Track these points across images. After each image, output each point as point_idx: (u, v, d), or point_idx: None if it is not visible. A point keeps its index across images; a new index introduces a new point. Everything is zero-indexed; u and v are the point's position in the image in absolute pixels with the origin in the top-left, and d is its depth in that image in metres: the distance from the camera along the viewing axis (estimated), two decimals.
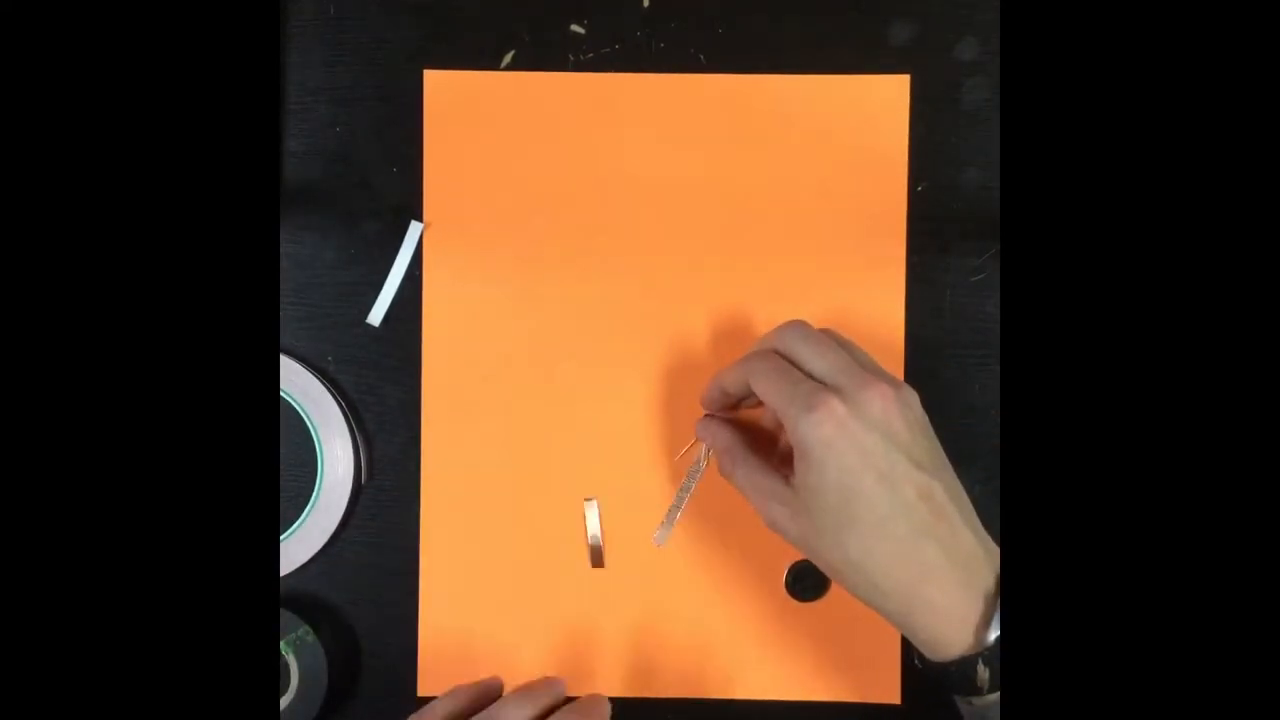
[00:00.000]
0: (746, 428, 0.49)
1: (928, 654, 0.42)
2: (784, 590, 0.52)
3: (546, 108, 0.52)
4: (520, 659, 0.52)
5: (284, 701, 0.50)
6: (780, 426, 0.47)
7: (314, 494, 0.51)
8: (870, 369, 0.43)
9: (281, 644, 0.49)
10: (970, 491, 0.52)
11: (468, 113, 0.52)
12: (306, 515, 0.51)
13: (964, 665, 0.40)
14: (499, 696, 0.44)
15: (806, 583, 0.52)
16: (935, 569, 0.41)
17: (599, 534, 0.52)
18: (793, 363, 0.44)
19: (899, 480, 0.41)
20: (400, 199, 0.52)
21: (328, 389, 0.51)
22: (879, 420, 0.41)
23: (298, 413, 0.51)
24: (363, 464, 0.51)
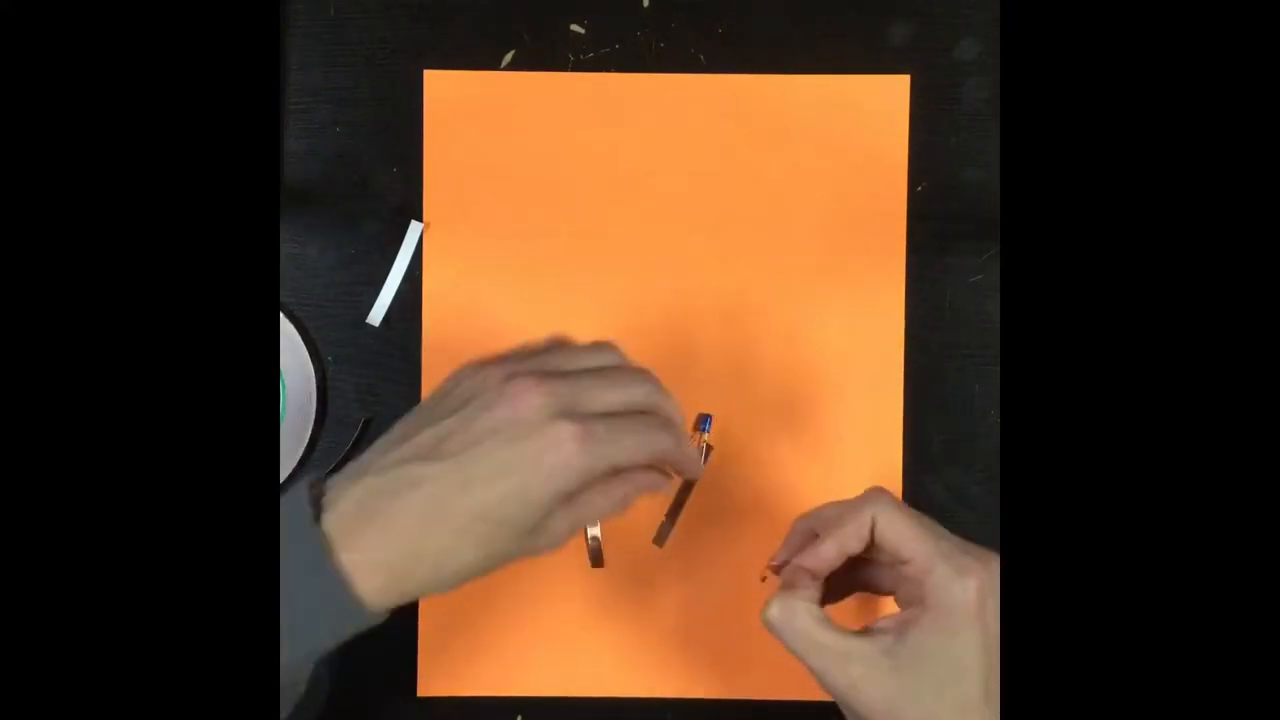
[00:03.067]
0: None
1: None
2: None
3: (546, 107, 0.52)
4: (520, 658, 0.52)
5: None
6: (857, 578, 0.44)
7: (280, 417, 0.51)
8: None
9: None
10: (970, 491, 0.52)
11: (468, 113, 0.52)
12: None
13: None
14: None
15: None
16: None
17: (598, 533, 0.52)
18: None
19: (994, 666, 0.39)
20: (400, 199, 0.52)
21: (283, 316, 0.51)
22: (998, 600, 0.39)
23: None
24: (326, 384, 0.52)
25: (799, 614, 0.41)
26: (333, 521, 0.36)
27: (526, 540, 0.38)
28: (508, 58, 0.52)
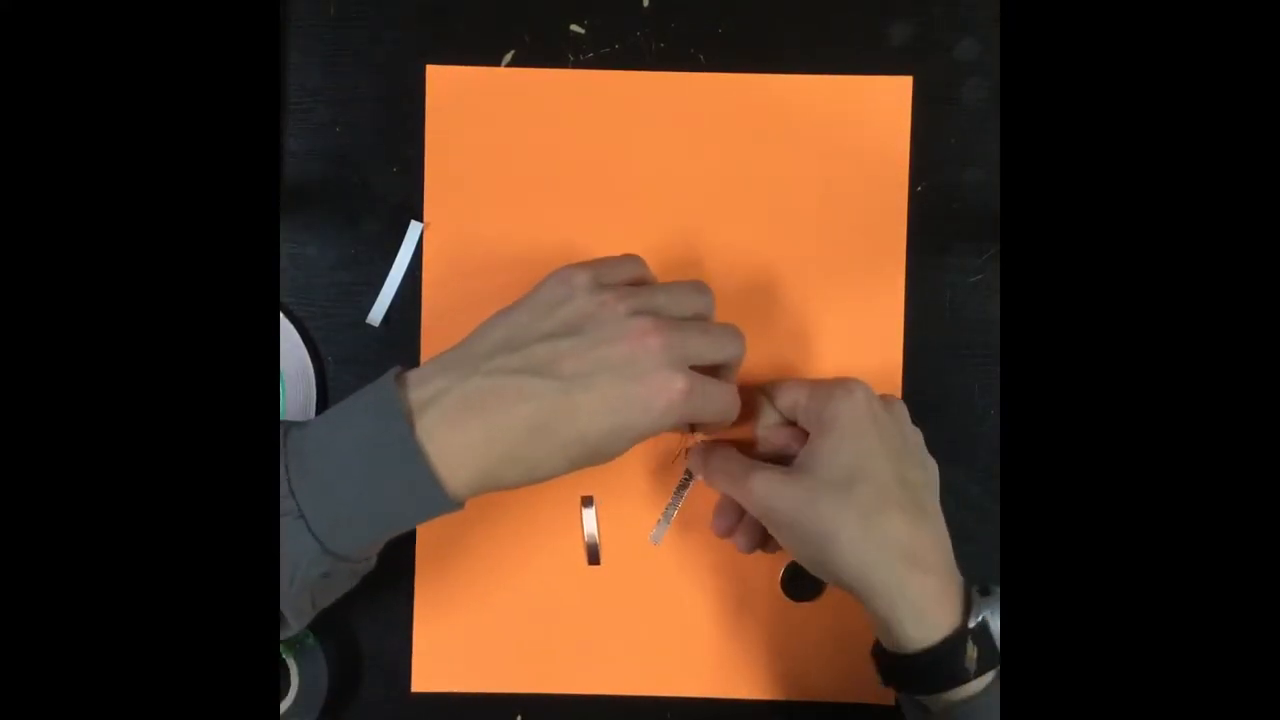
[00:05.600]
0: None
1: (910, 637, 0.41)
2: (779, 590, 0.52)
3: (548, 104, 0.52)
4: (514, 655, 0.52)
5: (284, 705, 0.50)
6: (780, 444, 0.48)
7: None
8: None
9: (281, 647, 0.49)
10: (970, 491, 0.52)
11: (469, 108, 0.52)
12: None
13: (953, 644, 0.40)
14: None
15: (801, 583, 0.52)
16: (929, 546, 0.42)
17: (595, 532, 0.52)
18: None
19: (907, 465, 0.44)
20: (400, 199, 0.52)
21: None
22: (901, 421, 0.45)
23: None
24: (326, 384, 0.52)
25: (715, 451, 0.47)
26: (434, 415, 0.39)
27: (600, 460, 0.41)
28: (508, 57, 0.52)
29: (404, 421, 0.38)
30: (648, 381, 0.39)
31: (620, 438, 0.40)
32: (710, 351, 0.42)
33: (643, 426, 0.40)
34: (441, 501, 0.39)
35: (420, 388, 0.40)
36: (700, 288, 0.45)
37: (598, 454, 0.40)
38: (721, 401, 0.43)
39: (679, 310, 0.43)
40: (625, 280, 0.44)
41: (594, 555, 0.52)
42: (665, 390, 0.39)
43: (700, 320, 0.44)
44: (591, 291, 0.41)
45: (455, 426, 0.39)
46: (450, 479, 0.39)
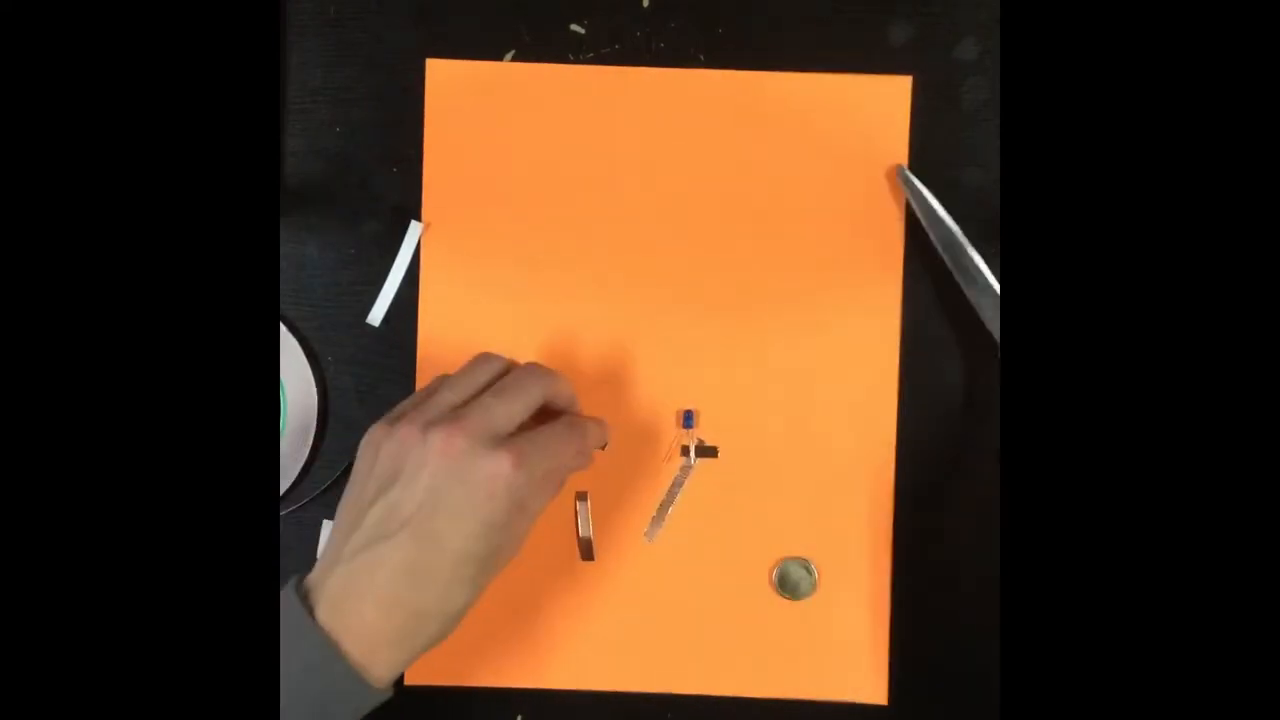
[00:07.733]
0: None
1: None
2: (772, 588, 0.52)
3: (548, 99, 0.52)
4: (509, 651, 0.52)
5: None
6: None
7: (280, 426, 0.51)
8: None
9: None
10: (970, 492, 0.52)
11: (469, 102, 0.52)
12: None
13: None
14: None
15: (794, 581, 0.52)
16: None
17: (590, 528, 0.52)
18: None
19: None
20: (400, 199, 0.52)
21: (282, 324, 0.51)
22: None
23: None
24: (326, 388, 0.52)
25: None
26: (324, 616, 0.39)
27: (501, 558, 0.41)
28: (507, 57, 0.52)
29: (313, 631, 0.38)
30: (475, 472, 0.39)
31: (493, 534, 0.40)
32: (515, 408, 0.42)
33: (500, 512, 0.40)
34: (370, 694, 0.39)
35: (310, 595, 0.40)
36: (480, 360, 0.45)
37: (486, 560, 0.40)
38: (560, 443, 0.43)
39: (467, 393, 0.43)
40: (431, 397, 0.43)
41: (588, 551, 0.52)
42: (495, 471, 0.39)
43: (495, 384, 0.43)
44: (389, 437, 0.41)
45: (348, 616, 0.39)
46: (370, 667, 0.39)
